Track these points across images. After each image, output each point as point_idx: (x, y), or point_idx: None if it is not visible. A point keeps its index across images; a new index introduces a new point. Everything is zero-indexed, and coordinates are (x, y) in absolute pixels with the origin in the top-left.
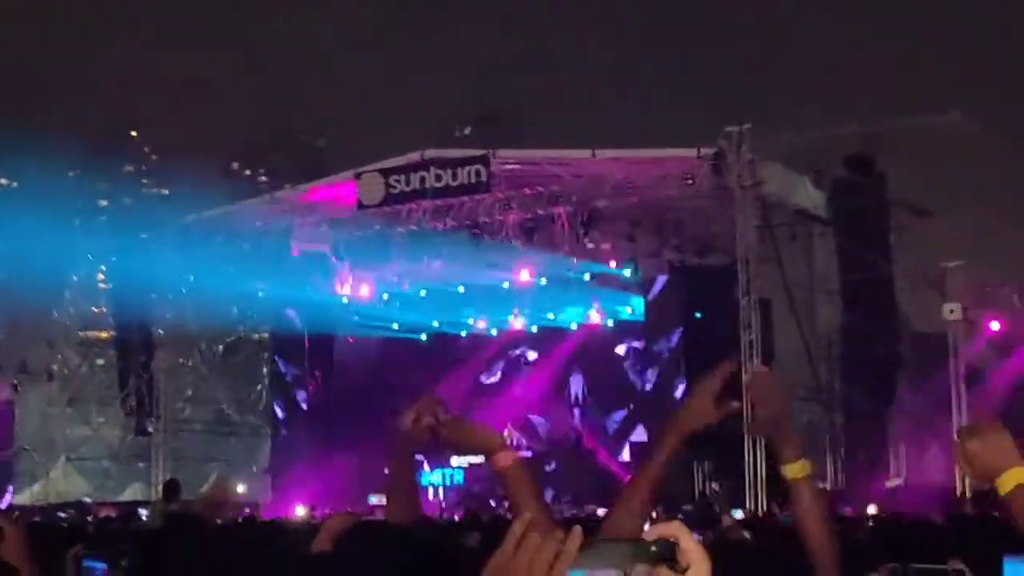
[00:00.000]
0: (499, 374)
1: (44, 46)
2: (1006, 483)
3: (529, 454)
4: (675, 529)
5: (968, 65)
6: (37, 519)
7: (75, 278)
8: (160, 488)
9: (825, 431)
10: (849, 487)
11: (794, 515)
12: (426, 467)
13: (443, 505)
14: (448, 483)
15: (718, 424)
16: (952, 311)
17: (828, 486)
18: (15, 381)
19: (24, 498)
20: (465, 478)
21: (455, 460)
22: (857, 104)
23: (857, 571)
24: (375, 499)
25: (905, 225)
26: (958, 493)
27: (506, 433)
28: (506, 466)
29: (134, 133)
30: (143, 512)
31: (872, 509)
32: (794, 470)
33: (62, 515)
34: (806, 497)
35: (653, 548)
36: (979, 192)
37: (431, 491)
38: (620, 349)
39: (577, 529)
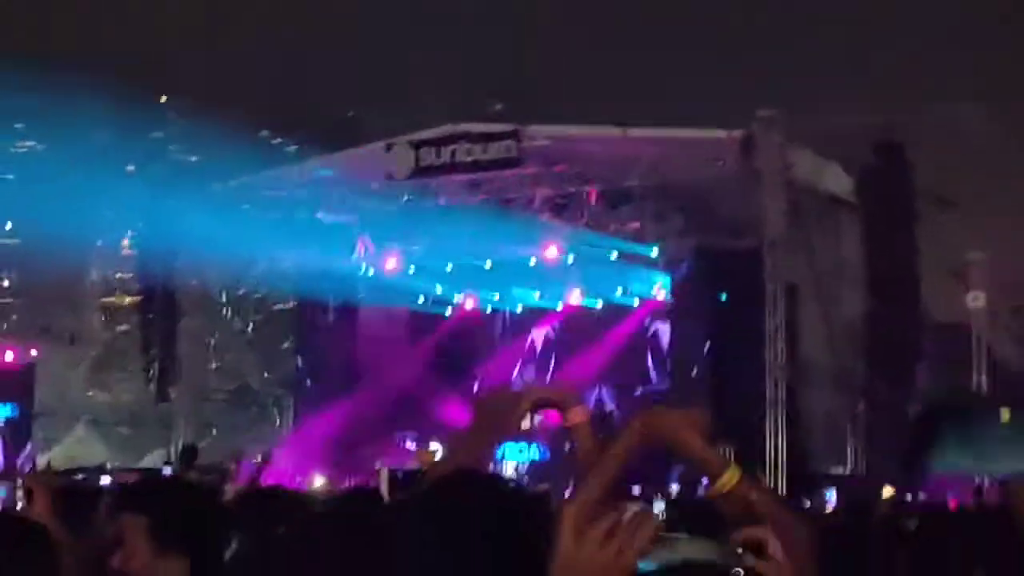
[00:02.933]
0: (525, 353)
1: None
2: None
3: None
4: (764, 533)
5: (994, 56)
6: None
7: (100, 243)
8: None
9: (847, 418)
10: (870, 474)
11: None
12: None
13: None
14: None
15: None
16: (976, 299)
17: (848, 472)
18: (36, 344)
19: (42, 462)
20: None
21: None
22: (887, 91)
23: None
24: (411, 444)
25: (930, 215)
26: (977, 481)
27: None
28: (576, 423)
29: (164, 99)
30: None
31: (887, 492)
32: (724, 482)
33: (80, 478)
34: (753, 498)
35: (739, 550)
36: (1004, 182)
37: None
38: (646, 328)
39: (649, 514)
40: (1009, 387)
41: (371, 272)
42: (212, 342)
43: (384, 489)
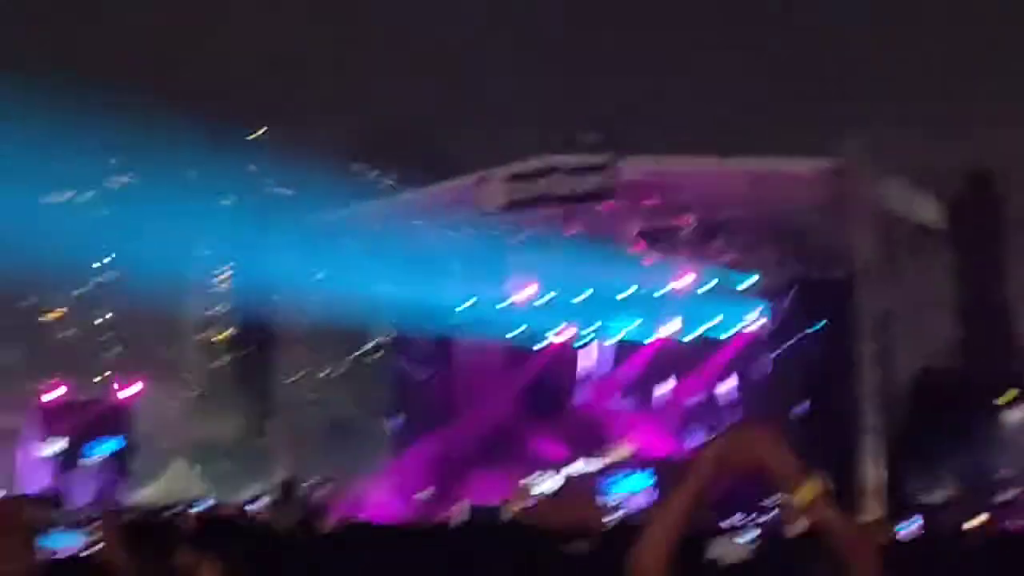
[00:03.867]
0: (623, 385)
1: (162, 42)
2: None
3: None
4: None
5: None
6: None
7: (196, 277)
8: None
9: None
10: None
11: (821, 533)
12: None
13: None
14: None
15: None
16: None
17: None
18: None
19: (140, 497)
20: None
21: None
22: (978, 118)
23: None
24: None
25: (1021, 242)
26: None
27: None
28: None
29: (259, 133)
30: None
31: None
32: (803, 495)
33: (176, 513)
34: (826, 515)
35: None
36: None
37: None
38: (743, 358)
39: None
40: None
41: (468, 304)
42: (308, 375)
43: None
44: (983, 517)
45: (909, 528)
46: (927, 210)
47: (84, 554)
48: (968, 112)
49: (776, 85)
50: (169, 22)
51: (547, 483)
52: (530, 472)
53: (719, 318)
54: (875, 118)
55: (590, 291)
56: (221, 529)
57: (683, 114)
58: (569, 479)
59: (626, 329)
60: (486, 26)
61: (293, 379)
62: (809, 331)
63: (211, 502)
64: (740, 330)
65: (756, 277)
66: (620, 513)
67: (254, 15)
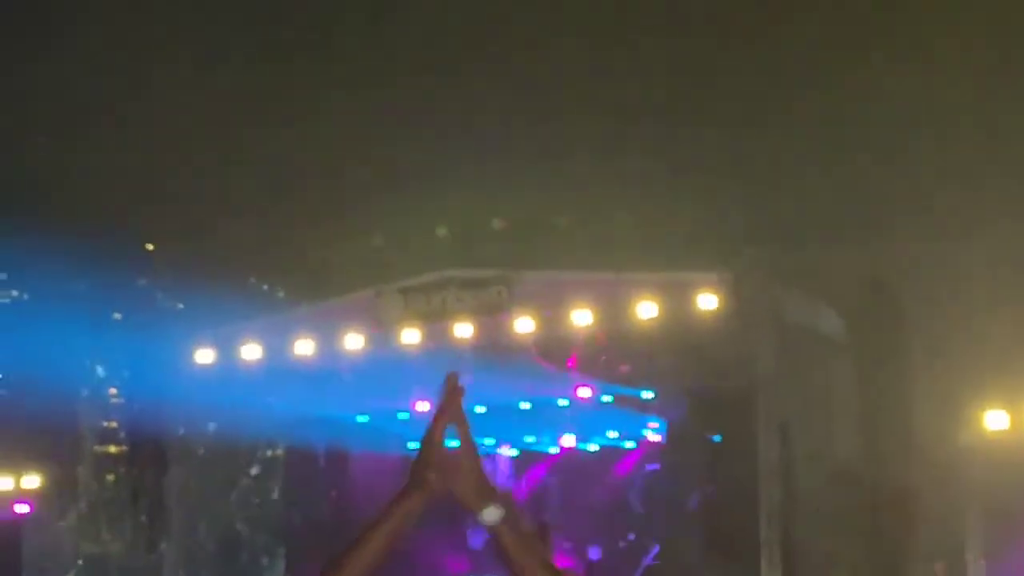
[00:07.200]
0: (522, 495)
1: (55, 154)
2: None
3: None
4: None
5: (986, 195)
6: None
7: (86, 392)
8: None
9: (846, 560)
10: None
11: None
12: None
13: None
14: None
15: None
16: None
17: None
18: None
19: None
20: None
21: None
22: (876, 229)
23: None
24: None
25: (923, 349)
26: None
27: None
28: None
29: (150, 246)
30: None
31: None
32: (487, 516)
33: None
34: (506, 540)
35: None
36: (996, 317)
37: None
38: (639, 470)
39: None
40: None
41: (362, 418)
42: (201, 490)
43: None
44: None
45: None
46: (825, 320)
47: None
48: (865, 225)
49: (672, 199)
50: (55, 135)
51: None
52: None
53: (616, 431)
54: (772, 231)
55: (490, 404)
56: None
57: (580, 228)
58: None
59: (525, 441)
60: (371, 139)
61: (183, 494)
62: (707, 444)
63: None
64: (638, 443)
65: (653, 390)
66: None
67: (141, 127)
